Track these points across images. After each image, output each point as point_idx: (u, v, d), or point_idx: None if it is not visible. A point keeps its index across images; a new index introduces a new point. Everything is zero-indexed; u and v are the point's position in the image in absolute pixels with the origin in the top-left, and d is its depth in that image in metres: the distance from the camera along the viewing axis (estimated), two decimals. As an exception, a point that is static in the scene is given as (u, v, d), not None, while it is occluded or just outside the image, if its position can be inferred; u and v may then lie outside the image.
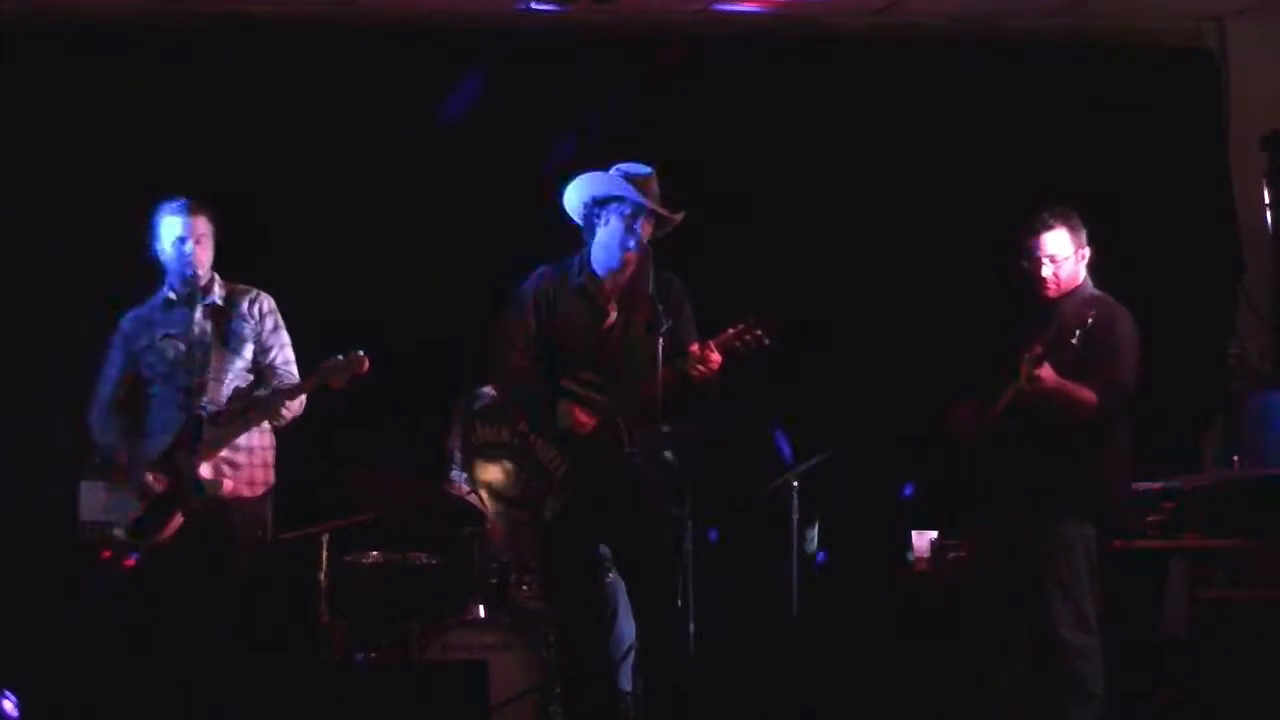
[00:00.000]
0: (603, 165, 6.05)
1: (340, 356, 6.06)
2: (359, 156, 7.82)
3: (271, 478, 6.27)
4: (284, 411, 6.16)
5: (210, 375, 6.11)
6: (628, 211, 5.89)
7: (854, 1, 8.06)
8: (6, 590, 7.10)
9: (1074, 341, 5.82)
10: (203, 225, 6.19)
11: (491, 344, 6.07)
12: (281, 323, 6.32)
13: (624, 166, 5.99)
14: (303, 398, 6.17)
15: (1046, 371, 5.85)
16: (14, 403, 7.47)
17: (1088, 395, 5.94)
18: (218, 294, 6.25)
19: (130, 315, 6.30)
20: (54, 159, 7.61)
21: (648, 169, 5.98)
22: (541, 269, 6.08)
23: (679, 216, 5.96)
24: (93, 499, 6.65)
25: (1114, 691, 6.07)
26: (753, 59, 8.12)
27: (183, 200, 6.19)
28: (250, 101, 7.75)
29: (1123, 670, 6.12)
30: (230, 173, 7.38)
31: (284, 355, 6.28)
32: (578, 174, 6.04)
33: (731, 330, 5.81)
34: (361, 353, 6.06)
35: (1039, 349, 5.85)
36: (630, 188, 5.90)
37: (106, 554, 6.10)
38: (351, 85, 7.84)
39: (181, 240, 6.15)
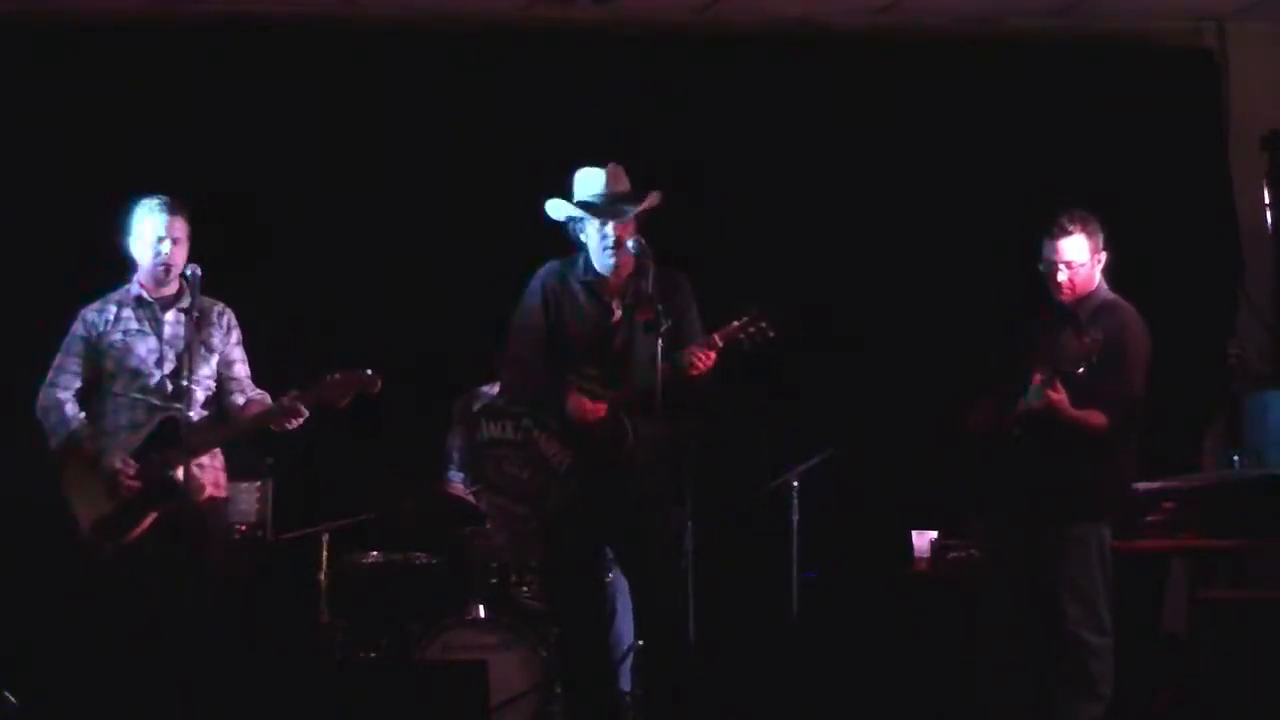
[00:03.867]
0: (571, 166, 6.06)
1: (339, 375, 5.97)
2: (359, 156, 7.82)
3: (226, 482, 6.23)
4: (272, 425, 6.11)
5: (184, 378, 6.00)
6: (596, 223, 5.92)
7: (854, 1, 8.06)
8: (6, 590, 7.10)
9: (1080, 371, 5.82)
10: (181, 226, 6.08)
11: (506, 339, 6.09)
12: (242, 340, 6.23)
13: (586, 181, 5.98)
14: (299, 413, 6.06)
15: (1060, 398, 5.86)
16: (14, 403, 7.46)
17: (1098, 420, 5.95)
18: (189, 301, 6.11)
19: (93, 307, 6.18)
20: (54, 159, 7.61)
21: (600, 176, 5.95)
22: (550, 264, 6.10)
23: (644, 205, 5.95)
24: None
25: (1114, 691, 6.07)
26: (753, 59, 8.12)
27: (163, 199, 6.08)
28: (250, 101, 7.76)
29: (1123, 670, 6.12)
30: (230, 173, 7.38)
31: (245, 370, 6.21)
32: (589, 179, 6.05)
33: (736, 323, 5.83)
34: (370, 371, 5.99)
35: (1051, 374, 5.86)
36: (587, 214, 5.93)
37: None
38: (351, 85, 7.84)
39: (160, 239, 6.07)
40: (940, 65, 8.20)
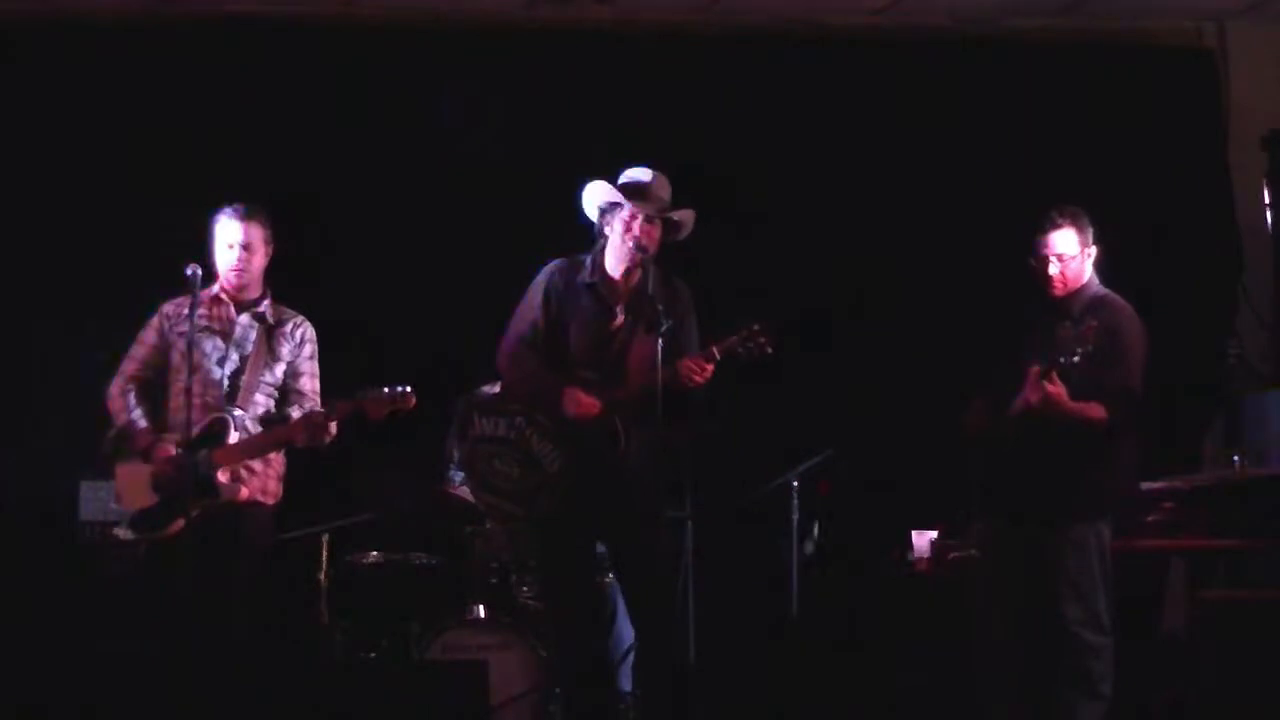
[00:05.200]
0: (621, 167, 6.07)
1: (385, 389, 6.04)
2: (358, 157, 7.82)
3: (280, 492, 6.28)
4: (313, 437, 6.14)
5: (244, 382, 6.12)
6: (627, 217, 5.91)
7: (854, 1, 8.06)
8: (7, 590, 7.10)
9: (1075, 360, 5.82)
10: (256, 233, 6.21)
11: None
12: (316, 354, 6.33)
13: (632, 172, 6.00)
14: (331, 429, 6.14)
15: (1057, 390, 5.86)
16: (14, 403, 7.47)
17: (1096, 412, 5.95)
18: (267, 309, 6.26)
19: (174, 301, 6.26)
20: (54, 159, 7.61)
21: (649, 174, 5.98)
22: (555, 263, 6.09)
23: (678, 216, 5.96)
24: (93, 499, 6.67)
25: (1114, 691, 6.07)
26: (753, 59, 8.13)
27: (240, 206, 6.21)
28: (248, 102, 7.75)
29: (1123, 670, 6.12)
30: (229, 173, 7.37)
31: (313, 385, 6.29)
32: (589, 179, 6.06)
33: (735, 336, 5.83)
34: (408, 388, 6.05)
35: (1048, 367, 5.85)
36: (622, 195, 5.92)
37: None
38: (351, 85, 7.84)
39: (231, 246, 6.18)
40: (940, 65, 8.20)
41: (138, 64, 7.72)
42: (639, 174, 6.00)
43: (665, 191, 6.00)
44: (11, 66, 7.65)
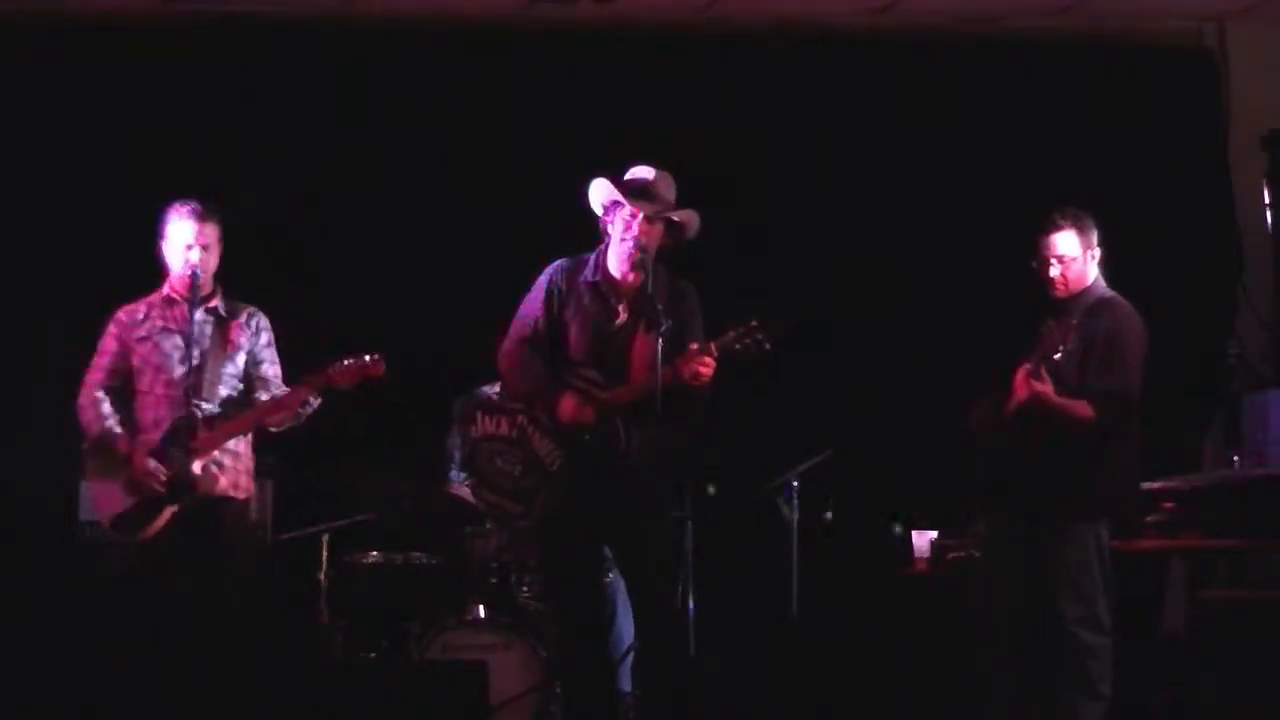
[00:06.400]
0: (620, 167, 6.07)
1: (349, 360, 6.06)
2: (358, 157, 7.83)
3: (252, 487, 6.28)
4: (287, 415, 6.17)
5: (206, 376, 6.13)
6: (627, 216, 5.91)
7: (854, 1, 8.06)
8: (7, 590, 7.10)
9: (1056, 358, 5.82)
10: (211, 232, 6.19)
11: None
12: (274, 343, 6.33)
13: (635, 170, 6.00)
14: (311, 401, 6.16)
15: (1044, 388, 5.86)
16: (14, 402, 7.47)
17: (1084, 411, 5.94)
18: (219, 303, 6.26)
19: (127, 308, 6.28)
20: (54, 159, 7.62)
21: (651, 173, 5.97)
22: (559, 262, 6.08)
23: (679, 217, 5.94)
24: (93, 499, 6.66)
25: (1114, 691, 6.07)
26: (753, 59, 8.13)
27: (194, 205, 6.18)
28: (248, 102, 7.76)
29: (1123, 670, 6.12)
30: (229, 173, 7.37)
31: (275, 370, 6.29)
32: (590, 179, 6.06)
33: (732, 333, 5.81)
34: (376, 355, 6.06)
35: (1035, 364, 5.86)
36: (622, 194, 5.92)
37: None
38: (351, 85, 7.85)
39: (189, 246, 6.16)
40: (940, 65, 8.21)
41: (138, 64, 7.73)
42: (641, 172, 5.99)
43: (668, 191, 5.98)
44: (11, 66, 7.65)
